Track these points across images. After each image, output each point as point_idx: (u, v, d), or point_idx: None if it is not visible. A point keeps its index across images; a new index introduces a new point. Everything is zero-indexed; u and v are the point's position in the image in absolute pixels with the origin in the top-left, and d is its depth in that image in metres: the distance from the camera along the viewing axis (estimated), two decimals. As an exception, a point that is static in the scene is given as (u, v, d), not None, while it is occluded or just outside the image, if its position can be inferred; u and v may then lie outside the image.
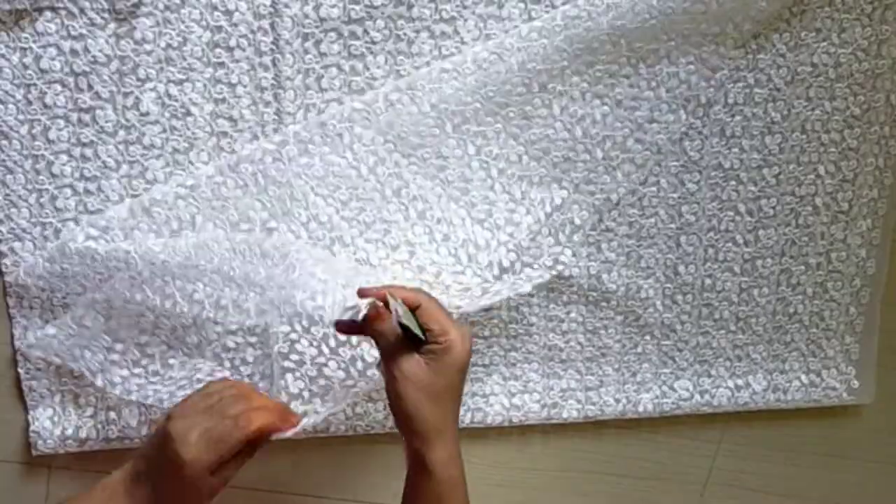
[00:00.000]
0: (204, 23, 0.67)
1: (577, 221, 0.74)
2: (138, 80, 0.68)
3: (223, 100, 0.69)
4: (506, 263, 0.73)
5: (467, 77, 0.68)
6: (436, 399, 0.57)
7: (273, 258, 0.65)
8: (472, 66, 0.68)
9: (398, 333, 0.57)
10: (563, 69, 0.69)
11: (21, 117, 0.68)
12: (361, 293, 0.59)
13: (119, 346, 0.71)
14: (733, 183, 0.76)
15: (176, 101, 0.69)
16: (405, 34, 0.69)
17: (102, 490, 0.58)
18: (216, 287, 0.66)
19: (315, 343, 0.70)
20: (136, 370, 0.72)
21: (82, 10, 0.66)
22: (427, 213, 0.72)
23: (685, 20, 0.69)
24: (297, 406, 0.71)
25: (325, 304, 0.59)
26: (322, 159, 0.69)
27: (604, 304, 0.77)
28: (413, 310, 0.58)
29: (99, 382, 0.71)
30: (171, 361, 0.72)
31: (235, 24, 0.68)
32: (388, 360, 0.57)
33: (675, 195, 0.75)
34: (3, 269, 0.70)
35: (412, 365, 0.57)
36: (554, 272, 0.74)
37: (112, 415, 0.74)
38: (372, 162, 0.70)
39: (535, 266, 0.74)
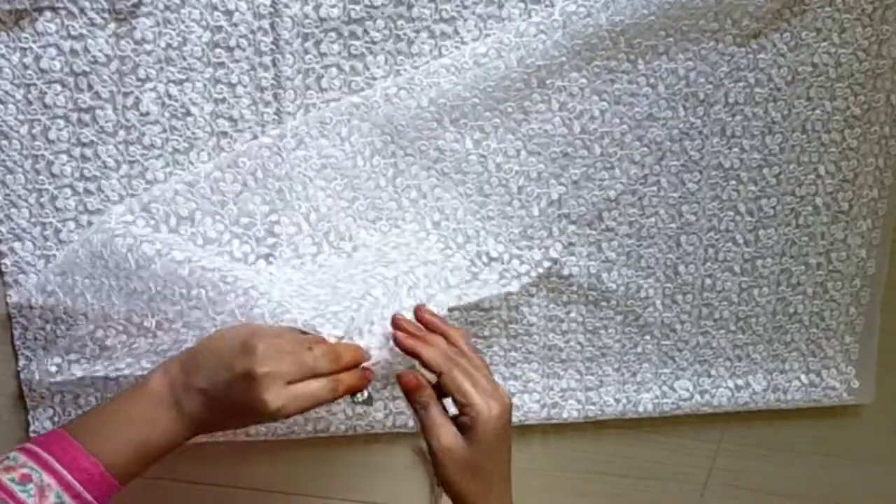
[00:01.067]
0: (204, 23, 0.67)
1: (573, 217, 0.74)
2: (138, 80, 0.68)
3: (223, 100, 0.69)
4: (494, 254, 0.73)
5: (466, 73, 0.68)
6: (473, 472, 0.57)
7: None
8: (470, 62, 0.68)
9: (435, 403, 0.58)
10: (562, 65, 0.69)
11: (21, 117, 0.68)
12: (397, 342, 0.59)
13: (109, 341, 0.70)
14: (734, 183, 0.76)
15: (176, 101, 0.69)
16: (405, 34, 0.69)
17: (146, 396, 0.55)
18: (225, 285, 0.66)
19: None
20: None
21: (82, 10, 0.66)
22: (420, 200, 0.72)
23: (684, 16, 0.69)
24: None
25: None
26: (319, 152, 0.69)
27: (604, 304, 0.77)
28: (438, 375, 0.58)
29: (106, 372, 0.69)
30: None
31: (235, 24, 0.68)
32: (426, 431, 0.57)
33: (675, 195, 0.75)
34: (3, 269, 0.70)
35: (448, 438, 0.57)
36: (543, 267, 0.74)
37: (112, 415, 0.74)
38: (368, 153, 0.70)
39: (524, 258, 0.74)
